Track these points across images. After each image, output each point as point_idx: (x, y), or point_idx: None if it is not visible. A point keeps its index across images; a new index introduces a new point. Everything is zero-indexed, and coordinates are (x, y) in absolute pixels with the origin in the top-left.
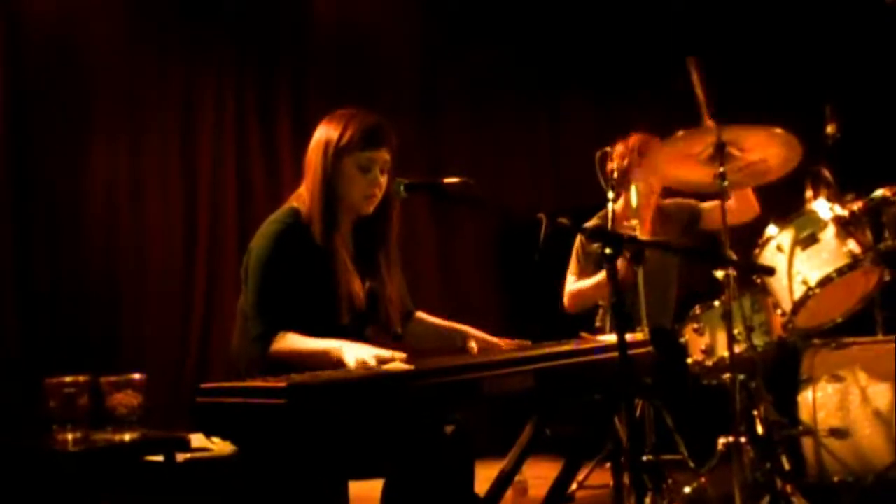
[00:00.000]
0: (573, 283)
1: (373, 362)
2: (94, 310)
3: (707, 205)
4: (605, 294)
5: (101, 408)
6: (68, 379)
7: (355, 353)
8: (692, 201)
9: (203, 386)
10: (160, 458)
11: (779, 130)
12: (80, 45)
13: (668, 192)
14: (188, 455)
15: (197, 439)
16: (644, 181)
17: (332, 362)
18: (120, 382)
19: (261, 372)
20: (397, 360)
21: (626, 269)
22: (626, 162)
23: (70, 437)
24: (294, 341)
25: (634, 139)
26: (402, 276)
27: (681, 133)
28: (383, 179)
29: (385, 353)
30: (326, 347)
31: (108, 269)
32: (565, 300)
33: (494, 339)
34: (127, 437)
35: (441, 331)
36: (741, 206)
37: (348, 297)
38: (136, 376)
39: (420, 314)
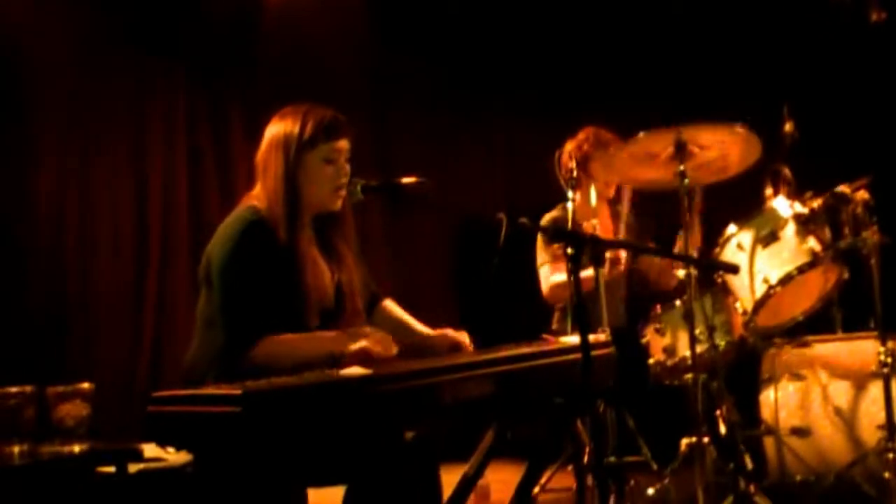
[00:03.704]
0: (552, 275)
1: (377, 347)
2: (43, 318)
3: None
4: (588, 286)
5: (47, 419)
6: (13, 390)
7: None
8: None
9: (155, 394)
10: (112, 470)
11: (739, 128)
12: (26, 55)
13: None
14: (141, 465)
15: (151, 449)
16: (601, 178)
17: (330, 353)
18: (67, 393)
19: (237, 378)
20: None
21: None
22: (581, 154)
23: (16, 450)
24: (285, 341)
25: (585, 132)
26: (363, 264)
27: (641, 134)
28: (348, 168)
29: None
30: (325, 337)
31: (56, 277)
32: (545, 291)
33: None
34: (76, 448)
35: (409, 330)
36: None
37: (317, 296)
38: (85, 386)
39: (388, 303)
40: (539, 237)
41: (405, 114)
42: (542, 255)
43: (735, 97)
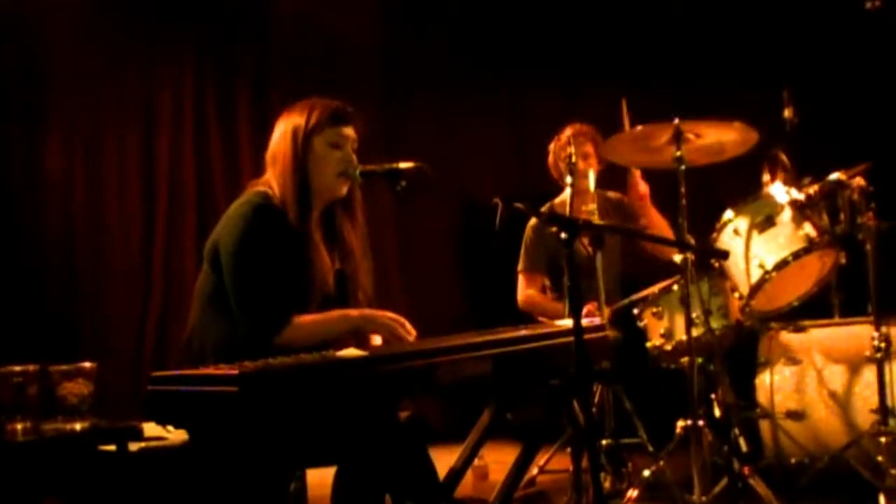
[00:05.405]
0: (528, 287)
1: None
2: (52, 298)
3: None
4: (556, 315)
5: (51, 397)
6: (17, 368)
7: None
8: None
9: (154, 374)
10: (112, 448)
11: (736, 124)
12: (36, 38)
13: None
14: (142, 444)
15: (151, 428)
16: (593, 167)
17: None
18: (70, 371)
19: (258, 357)
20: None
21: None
22: (568, 152)
23: (19, 427)
24: (309, 322)
25: (568, 131)
26: (369, 258)
27: (639, 128)
28: (354, 157)
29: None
30: (350, 315)
31: (65, 257)
32: (520, 301)
33: None
34: (78, 426)
35: None
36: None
37: (321, 282)
38: (87, 365)
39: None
40: (524, 242)
41: (416, 94)
42: (522, 260)
43: (736, 82)
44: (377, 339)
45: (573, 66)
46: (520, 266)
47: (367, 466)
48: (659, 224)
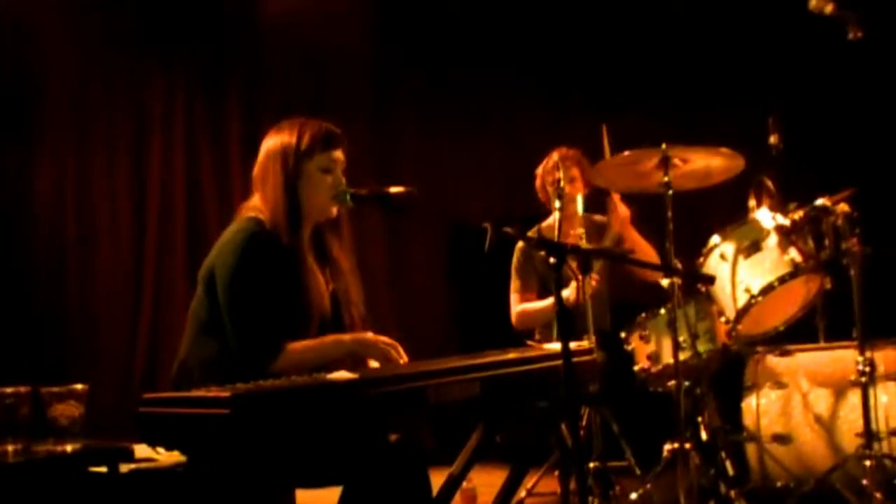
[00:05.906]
0: (519, 304)
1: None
2: (42, 315)
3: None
4: (551, 316)
5: (42, 419)
6: (8, 390)
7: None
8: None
9: (145, 396)
10: (103, 469)
11: (724, 150)
12: (27, 51)
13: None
14: (133, 466)
15: (142, 450)
16: (579, 191)
17: (350, 355)
18: (61, 393)
19: (251, 380)
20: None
21: (576, 294)
22: (556, 176)
23: (10, 448)
24: (304, 349)
25: (555, 155)
26: (359, 277)
27: (626, 153)
28: (343, 179)
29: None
30: (343, 340)
31: (55, 275)
32: (513, 319)
33: None
34: (69, 448)
35: None
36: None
37: (318, 305)
38: (78, 386)
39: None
40: (513, 264)
41: (405, 113)
42: (513, 281)
43: (722, 109)
44: (374, 363)
45: (562, 89)
46: (511, 287)
47: (366, 489)
48: (641, 247)
